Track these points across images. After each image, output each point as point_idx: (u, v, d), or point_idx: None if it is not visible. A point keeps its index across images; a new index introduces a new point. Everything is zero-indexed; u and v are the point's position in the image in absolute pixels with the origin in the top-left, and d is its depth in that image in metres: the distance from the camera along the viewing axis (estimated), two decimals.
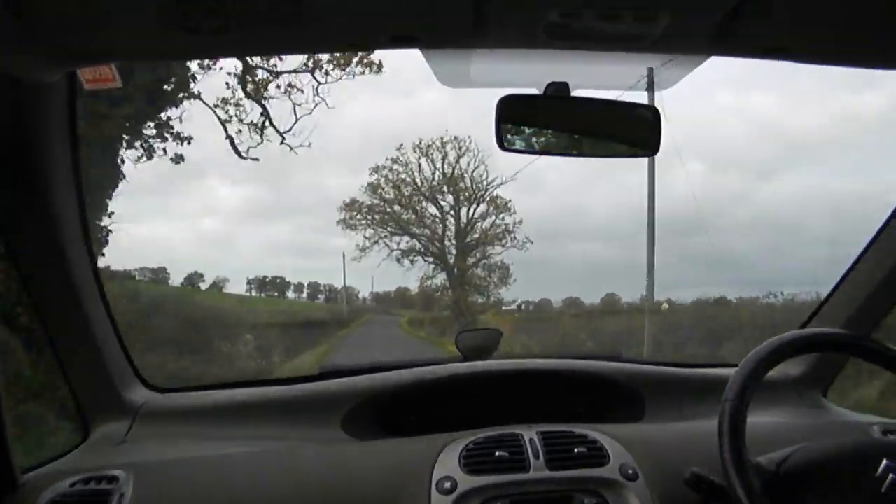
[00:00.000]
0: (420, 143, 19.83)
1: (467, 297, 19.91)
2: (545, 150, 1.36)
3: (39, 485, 1.35)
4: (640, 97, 1.38)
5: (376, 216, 20.37)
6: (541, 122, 1.31)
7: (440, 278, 20.68)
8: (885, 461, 1.20)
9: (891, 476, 1.19)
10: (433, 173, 20.01)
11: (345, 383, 1.77)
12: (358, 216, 20.26)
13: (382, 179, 20.07)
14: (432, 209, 20.46)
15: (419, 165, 19.95)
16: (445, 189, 20.15)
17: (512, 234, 19.83)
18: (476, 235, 20.29)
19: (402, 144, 19.99)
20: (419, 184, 20.15)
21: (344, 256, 20.42)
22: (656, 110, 1.33)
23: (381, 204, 20.27)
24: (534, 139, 1.32)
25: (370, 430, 1.66)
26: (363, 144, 30.89)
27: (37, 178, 1.30)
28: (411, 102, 29.26)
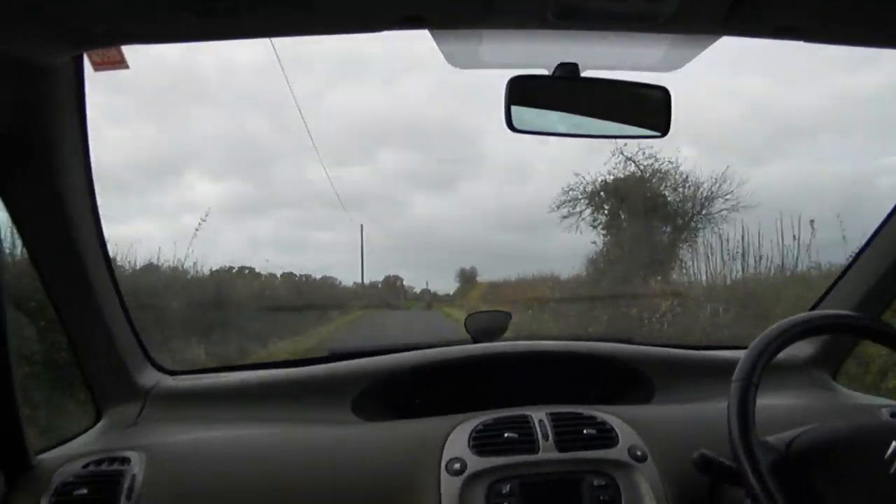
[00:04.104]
0: None
1: None
2: (554, 131, 1.35)
3: (52, 466, 1.37)
4: (651, 78, 1.36)
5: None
6: (550, 102, 1.30)
7: None
8: (893, 443, 1.20)
9: None
10: None
11: (354, 365, 1.78)
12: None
13: None
14: None
15: None
16: None
17: None
18: None
19: None
20: None
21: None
22: (667, 91, 1.32)
23: None
24: (543, 120, 1.31)
25: (380, 411, 1.67)
26: (350, 136, 30.22)
27: (45, 161, 1.30)
28: (394, 90, 28.50)
